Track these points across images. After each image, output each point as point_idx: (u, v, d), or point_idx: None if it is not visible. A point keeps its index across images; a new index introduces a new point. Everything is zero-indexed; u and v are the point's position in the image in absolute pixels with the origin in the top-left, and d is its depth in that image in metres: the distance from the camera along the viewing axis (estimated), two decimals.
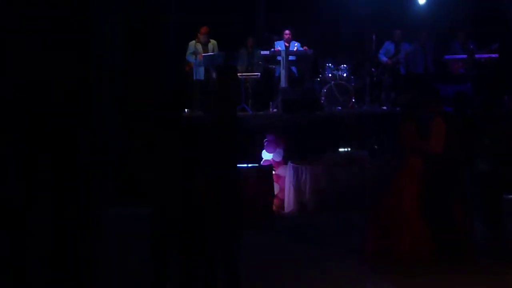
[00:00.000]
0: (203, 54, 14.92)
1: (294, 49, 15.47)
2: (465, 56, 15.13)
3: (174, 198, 6.25)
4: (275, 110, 14.84)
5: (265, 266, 8.49)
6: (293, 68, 15.70)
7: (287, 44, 15.51)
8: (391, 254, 8.49)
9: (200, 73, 14.92)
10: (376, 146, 11.82)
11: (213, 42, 15.14)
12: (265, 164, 12.41)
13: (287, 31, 15.51)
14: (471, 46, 15.11)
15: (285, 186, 12.40)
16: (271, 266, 8.55)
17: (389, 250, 8.52)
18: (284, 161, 12.64)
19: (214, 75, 14.87)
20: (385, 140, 9.89)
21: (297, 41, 15.55)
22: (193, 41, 15.04)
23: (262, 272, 8.17)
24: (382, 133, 11.43)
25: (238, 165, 6.38)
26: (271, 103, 15.06)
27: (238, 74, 15.06)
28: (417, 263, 8.36)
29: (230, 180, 6.18)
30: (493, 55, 15.07)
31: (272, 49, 15.48)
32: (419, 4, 15.95)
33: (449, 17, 15.63)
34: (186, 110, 13.09)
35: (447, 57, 15.37)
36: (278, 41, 15.61)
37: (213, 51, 15.07)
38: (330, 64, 15.33)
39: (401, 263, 8.39)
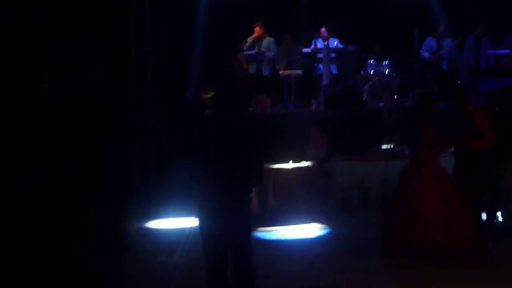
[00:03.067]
0: (245, 53, 15.02)
1: (334, 46, 15.45)
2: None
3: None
4: (317, 107, 14.83)
5: None
6: (334, 65, 15.68)
7: (325, 42, 15.48)
8: (405, 248, 8.45)
9: (253, 69, 15.11)
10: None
11: (269, 38, 15.19)
12: (310, 161, 12.41)
13: (323, 29, 15.46)
14: None
15: (330, 182, 12.37)
16: None
17: (403, 244, 8.48)
18: (328, 157, 12.63)
19: (264, 71, 15.03)
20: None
21: (336, 37, 15.50)
22: (250, 37, 15.14)
23: None
24: None
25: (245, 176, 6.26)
26: (313, 100, 15.05)
27: (280, 72, 15.25)
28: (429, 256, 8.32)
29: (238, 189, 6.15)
30: None
31: (314, 47, 15.47)
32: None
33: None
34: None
35: (490, 52, 15.26)
36: (317, 39, 15.59)
37: (268, 47, 15.12)
38: (372, 61, 15.28)
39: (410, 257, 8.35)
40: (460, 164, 8.88)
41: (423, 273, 7.92)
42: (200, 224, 6.23)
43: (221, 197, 6.02)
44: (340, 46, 15.40)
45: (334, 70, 15.58)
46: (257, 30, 15.07)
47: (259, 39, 15.13)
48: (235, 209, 6.07)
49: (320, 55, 15.34)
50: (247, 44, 15.16)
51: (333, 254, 9.00)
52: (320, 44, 15.43)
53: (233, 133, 6.07)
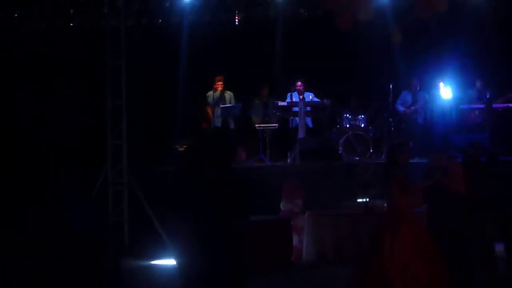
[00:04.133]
0: (220, 106, 15.02)
1: (309, 99, 15.50)
2: (482, 106, 15.13)
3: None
4: (292, 160, 14.82)
5: None
6: (309, 119, 15.72)
7: (300, 96, 15.53)
8: None
9: (218, 124, 15.01)
10: None
11: (229, 93, 15.26)
12: (284, 214, 12.37)
13: (299, 83, 15.55)
14: (488, 96, 15.09)
15: (304, 237, 12.32)
16: None
17: None
18: (303, 211, 12.58)
19: (231, 126, 15.01)
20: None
21: (310, 91, 15.59)
22: (211, 92, 15.14)
23: None
24: None
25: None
26: (288, 153, 15.04)
27: (256, 125, 15.27)
28: None
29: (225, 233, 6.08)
30: (511, 104, 15.06)
31: (290, 100, 15.51)
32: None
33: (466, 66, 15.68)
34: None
35: (464, 106, 15.37)
36: (292, 92, 15.65)
37: (230, 102, 15.18)
38: (347, 115, 15.34)
39: None
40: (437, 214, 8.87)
41: None
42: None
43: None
44: (316, 99, 15.47)
45: (309, 123, 15.62)
46: (221, 84, 15.12)
47: (223, 93, 15.17)
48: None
49: (296, 109, 15.36)
50: (214, 97, 15.11)
51: None
52: (295, 97, 15.47)
53: (222, 186, 6.04)
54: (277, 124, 15.34)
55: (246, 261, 6.16)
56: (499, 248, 10.08)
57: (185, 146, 12.85)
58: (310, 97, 15.52)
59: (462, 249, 9.00)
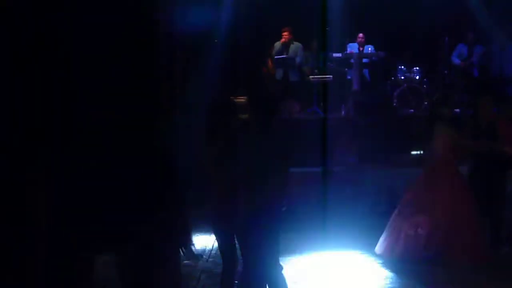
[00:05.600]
0: (275, 57, 15.11)
1: (369, 51, 15.53)
2: None
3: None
4: (346, 112, 14.86)
5: None
6: (366, 71, 15.74)
7: (361, 48, 15.55)
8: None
9: (279, 75, 15.15)
10: None
11: (296, 44, 15.29)
12: (339, 167, 12.48)
13: (360, 35, 15.58)
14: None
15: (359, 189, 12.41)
16: None
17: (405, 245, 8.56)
18: (358, 163, 12.67)
19: (293, 77, 15.08)
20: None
21: (371, 44, 15.60)
22: (278, 42, 15.25)
23: None
24: None
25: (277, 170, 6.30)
26: (343, 105, 15.09)
27: (310, 77, 15.32)
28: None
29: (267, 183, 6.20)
30: None
31: (345, 52, 15.53)
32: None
33: None
34: None
35: None
36: (351, 43, 15.65)
37: (296, 53, 15.23)
38: (402, 67, 15.30)
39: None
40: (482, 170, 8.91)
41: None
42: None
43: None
44: (374, 51, 15.49)
45: (367, 76, 15.65)
46: (285, 35, 15.17)
47: (287, 45, 15.23)
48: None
49: (352, 60, 15.38)
50: (276, 49, 15.25)
51: None
52: (355, 49, 15.46)
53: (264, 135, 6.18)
54: (331, 76, 15.32)
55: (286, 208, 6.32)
56: None
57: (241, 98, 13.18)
58: (369, 49, 15.53)
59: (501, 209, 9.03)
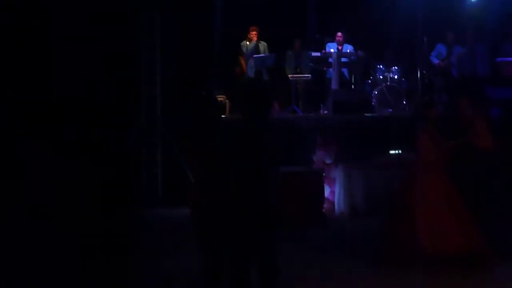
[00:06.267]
0: (254, 56, 15.03)
1: (346, 51, 15.52)
2: None
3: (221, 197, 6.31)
4: (325, 112, 14.82)
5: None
6: (344, 70, 15.72)
7: (339, 47, 15.53)
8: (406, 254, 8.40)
9: (251, 74, 15.03)
10: None
11: (263, 43, 15.25)
12: (316, 166, 12.45)
13: (339, 34, 15.54)
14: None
15: (336, 189, 12.41)
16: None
17: (403, 250, 8.45)
18: (335, 163, 12.65)
19: (264, 76, 15.03)
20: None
21: (349, 44, 15.58)
22: (245, 41, 15.16)
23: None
24: None
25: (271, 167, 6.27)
26: (321, 105, 15.04)
27: (289, 76, 15.27)
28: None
29: (263, 181, 6.14)
30: None
31: (324, 51, 15.49)
32: (471, 5, 15.73)
33: (501, 17, 15.48)
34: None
35: (498, 59, 15.19)
36: (330, 43, 15.61)
37: (264, 52, 15.18)
38: (381, 66, 15.28)
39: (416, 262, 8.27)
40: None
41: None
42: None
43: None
44: (353, 51, 15.48)
45: (346, 75, 15.66)
46: (255, 34, 15.11)
47: (257, 43, 15.16)
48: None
49: (331, 60, 15.36)
50: (249, 48, 15.14)
51: None
52: (334, 48, 15.43)
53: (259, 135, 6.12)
54: (310, 75, 15.32)
55: (279, 210, 6.23)
56: None
57: (220, 96, 13.13)
58: (348, 50, 15.52)
59: (488, 203, 9.05)
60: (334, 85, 15.13)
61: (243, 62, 15.16)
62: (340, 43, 15.54)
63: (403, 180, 9.12)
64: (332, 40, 15.65)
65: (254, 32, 15.13)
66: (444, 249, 8.39)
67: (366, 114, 14.16)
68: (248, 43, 15.15)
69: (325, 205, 11.96)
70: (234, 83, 14.57)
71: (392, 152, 12.87)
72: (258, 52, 15.15)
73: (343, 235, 10.69)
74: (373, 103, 14.75)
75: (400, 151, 12.78)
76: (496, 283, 7.97)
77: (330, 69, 15.47)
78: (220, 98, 13.09)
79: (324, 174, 12.17)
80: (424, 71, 15.44)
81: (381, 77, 15.17)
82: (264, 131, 6.14)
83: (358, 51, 15.43)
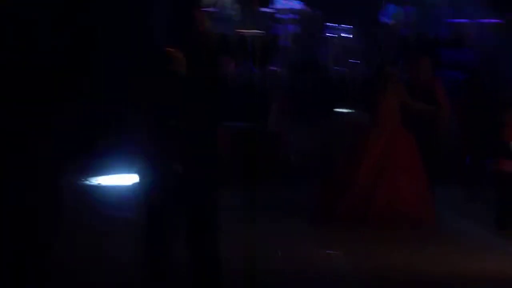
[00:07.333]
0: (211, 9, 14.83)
1: (297, 7, 15.39)
2: None
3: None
4: (278, 69, 14.72)
5: None
6: (297, 27, 15.59)
7: (291, 3, 15.39)
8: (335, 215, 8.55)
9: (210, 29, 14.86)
10: None
11: None
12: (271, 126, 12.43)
13: None
14: None
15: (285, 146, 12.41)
16: None
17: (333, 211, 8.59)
18: (285, 121, 12.62)
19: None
20: None
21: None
22: None
23: None
24: None
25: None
26: (274, 62, 14.94)
27: (243, 32, 15.09)
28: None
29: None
30: None
31: (275, 7, 15.36)
32: None
33: None
34: None
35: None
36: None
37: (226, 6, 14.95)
38: (335, 25, 15.24)
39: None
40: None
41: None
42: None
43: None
44: (303, 8, 15.33)
45: (297, 32, 15.51)
46: None
47: None
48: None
49: (283, 16, 15.23)
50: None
51: None
52: (281, 5, 15.30)
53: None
54: (264, 31, 15.17)
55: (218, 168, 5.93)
56: None
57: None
58: (297, 6, 15.40)
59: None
60: (286, 43, 15.02)
61: (202, 16, 14.93)
62: None
63: (360, 140, 9.12)
64: None
65: None
66: (398, 207, 8.47)
67: (317, 73, 14.10)
68: None
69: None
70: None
71: (346, 111, 12.86)
72: (218, 5, 14.92)
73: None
74: (326, 62, 14.70)
75: (352, 111, 12.78)
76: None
77: (282, 25, 15.35)
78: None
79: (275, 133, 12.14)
80: (379, 32, 15.45)
81: (335, 36, 15.11)
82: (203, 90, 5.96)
83: (311, 9, 15.32)
